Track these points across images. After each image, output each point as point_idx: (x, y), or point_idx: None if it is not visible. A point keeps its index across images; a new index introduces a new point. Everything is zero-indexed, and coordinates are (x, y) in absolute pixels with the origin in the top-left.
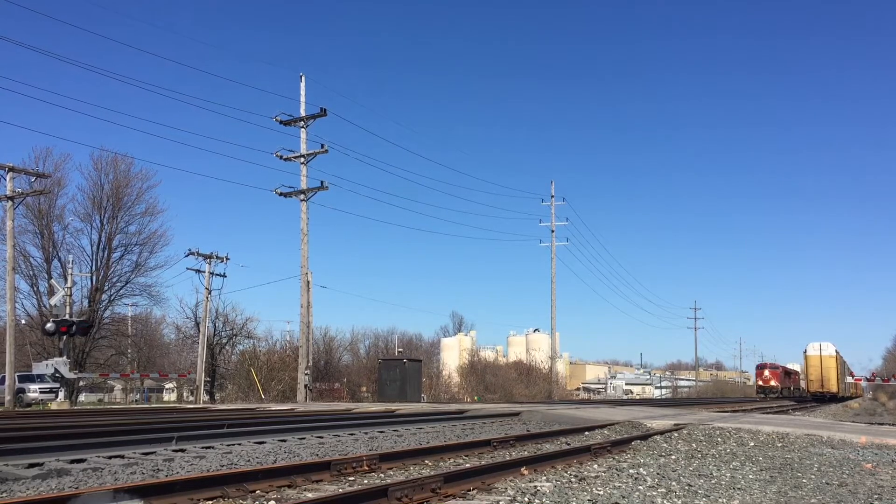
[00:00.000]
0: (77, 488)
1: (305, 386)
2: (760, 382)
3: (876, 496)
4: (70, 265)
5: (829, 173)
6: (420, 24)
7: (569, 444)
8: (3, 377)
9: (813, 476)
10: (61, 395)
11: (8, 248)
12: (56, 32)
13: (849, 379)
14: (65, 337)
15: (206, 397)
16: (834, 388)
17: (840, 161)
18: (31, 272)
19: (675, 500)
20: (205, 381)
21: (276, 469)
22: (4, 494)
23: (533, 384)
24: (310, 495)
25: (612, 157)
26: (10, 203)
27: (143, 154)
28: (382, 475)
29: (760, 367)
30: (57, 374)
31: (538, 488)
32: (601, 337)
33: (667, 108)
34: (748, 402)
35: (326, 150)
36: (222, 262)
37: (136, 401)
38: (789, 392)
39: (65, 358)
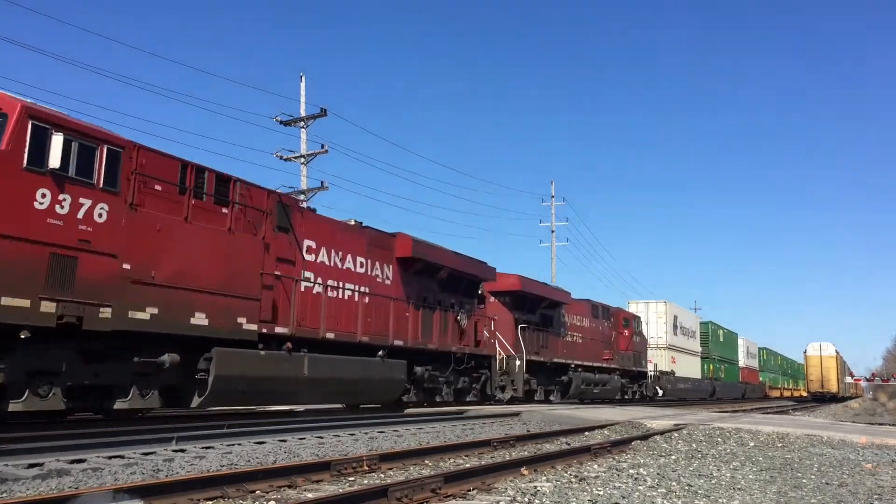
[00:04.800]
0: (77, 488)
1: None
2: None
3: (876, 496)
4: None
5: (829, 173)
6: (420, 25)
7: (569, 445)
8: None
9: (813, 476)
10: None
11: None
12: (56, 32)
13: (849, 379)
14: None
15: None
16: (834, 388)
17: (841, 161)
18: None
19: (675, 500)
20: None
21: (276, 469)
22: (4, 494)
23: None
24: (310, 495)
25: (613, 157)
26: None
27: None
28: (382, 475)
29: None
30: None
31: (538, 488)
32: None
33: (668, 107)
34: (747, 401)
35: (326, 151)
36: None
37: None
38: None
39: None
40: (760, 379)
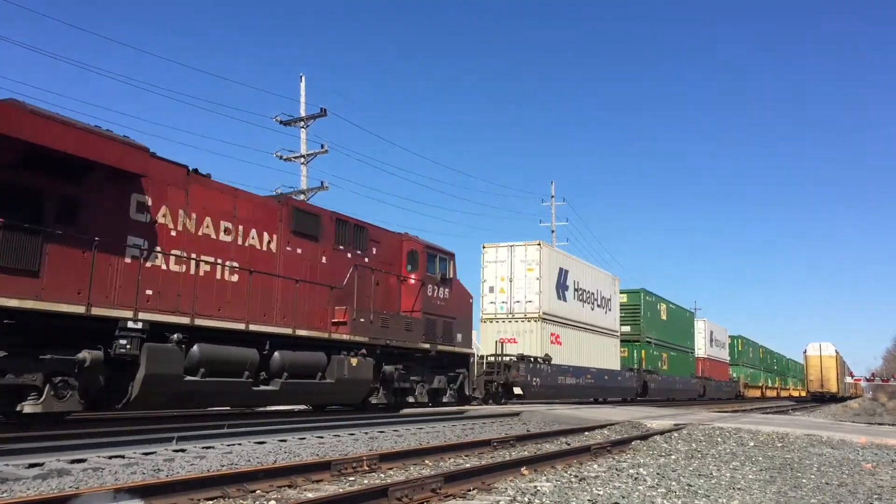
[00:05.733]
0: (77, 488)
1: None
2: None
3: (876, 496)
4: None
5: (828, 173)
6: (420, 25)
7: (569, 444)
8: None
9: (813, 476)
10: None
11: None
12: (56, 32)
13: (849, 379)
14: None
15: None
16: (834, 388)
17: (840, 161)
18: None
19: (675, 500)
20: None
21: (277, 469)
22: (4, 494)
23: None
24: (310, 495)
25: (613, 158)
26: None
27: None
28: (382, 475)
29: None
30: None
31: (538, 488)
32: None
33: (668, 106)
34: (748, 402)
35: (326, 151)
36: None
37: None
38: None
39: None
40: (732, 374)
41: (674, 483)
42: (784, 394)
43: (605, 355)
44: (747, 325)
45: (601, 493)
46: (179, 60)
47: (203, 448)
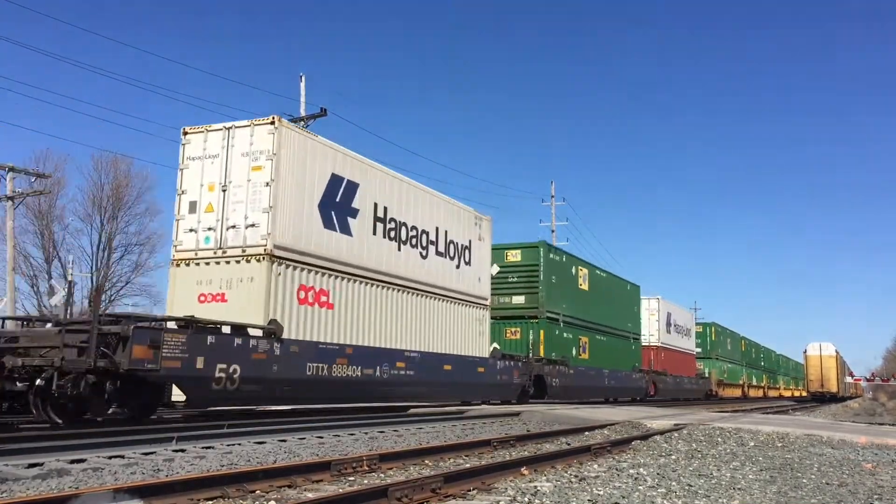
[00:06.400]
0: (77, 488)
1: None
2: None
3: (876, 496)
4: (70, 265)
5: (828, 172)
6: (418, 24)
7: (569, 444)
8: None
9: (813, 476)
10: None
11: (8, 249)
12: (56, 32)
13: (849, 379)
14: None
15: None
16: (834, 388)
17: (839, 161)
18: (31, 272)
19: (676, 499)
20: None
21: (276, 469)
22: (4, 494)
23: None
24: (310, 495)
25: (613, 158)
26: (10, 203)
27: (142, 154)
28: (382, 475)
29: None
30: None
31: (538, 488)
32: None
33: (667, 106)
34: (748, 402)
35: None
36: None
37: None
38: None
39: None
40: (703, 369)
41: (674, 483)
42: (773, 394)
43: (456, 335)
44: (747, 324)
45: (601, 493)
46: (179, 60)
47: (203, 448)
